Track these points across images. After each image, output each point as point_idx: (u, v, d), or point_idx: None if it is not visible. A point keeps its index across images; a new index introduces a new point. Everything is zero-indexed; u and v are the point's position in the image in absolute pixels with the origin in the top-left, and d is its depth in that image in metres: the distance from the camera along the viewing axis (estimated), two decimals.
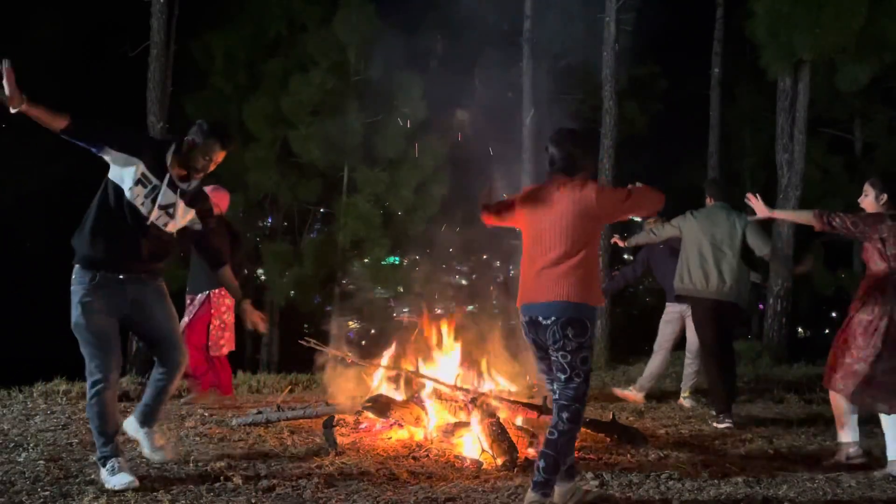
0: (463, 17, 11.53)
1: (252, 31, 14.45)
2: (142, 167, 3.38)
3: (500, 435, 4.02)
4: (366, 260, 14.95)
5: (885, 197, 4.17)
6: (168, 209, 3.49)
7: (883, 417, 4.02)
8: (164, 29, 12.18)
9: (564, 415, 3.10)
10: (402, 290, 14.70)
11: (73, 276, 3.47)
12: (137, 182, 3.38)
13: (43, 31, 17.14)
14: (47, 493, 3.26)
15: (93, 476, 3.54)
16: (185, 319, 5.70)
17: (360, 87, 14.30)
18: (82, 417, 5.15)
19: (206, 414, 5.46)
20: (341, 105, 13.98)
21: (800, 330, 25.37)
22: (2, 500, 3.16)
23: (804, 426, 5.33)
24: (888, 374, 3.96)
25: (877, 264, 4.13)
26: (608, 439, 4.55)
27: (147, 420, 3.76)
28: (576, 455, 4.18)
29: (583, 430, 4.65)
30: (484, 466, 3.89)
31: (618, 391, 6.76)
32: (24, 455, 3.96)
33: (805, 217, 4.39)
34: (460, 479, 3.67)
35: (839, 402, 4.18)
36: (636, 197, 3.23)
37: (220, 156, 3.57)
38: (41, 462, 3.78)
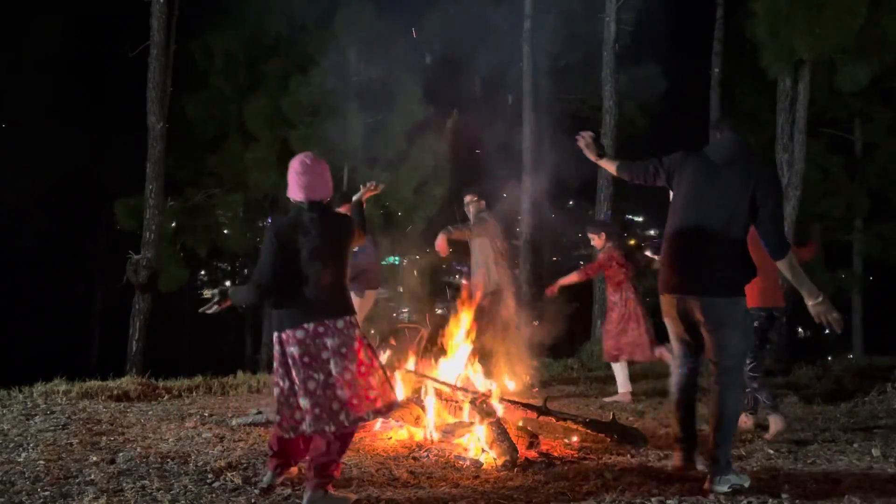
0: (463, 17, 11.53)
1: (252, 31, 14.44)
2: None
3: (500, 435, 4.02)
4: None
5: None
6: None
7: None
8: (164, 29, 12.16)
9: None
10: (401, 289, 14.70)
11: None
12: None
13: (43, 31, 17.14)
14: (47, 493, 3.26)
15: (92, 476, 3.54)
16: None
17: (360, 87, 14.30)
18: (82, 417, 5.15)
19: (206, 414, 5.47)
20: (341, 105, 13.97)
21: (800, 330, 25.35)
22: (2, 500, 3.16)
23: (805, 426, 5.32)
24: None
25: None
26: (608, 439, 4.55)
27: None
28: (575, 455, 4.19)
29: (583, 430, 4.66)
30: (484, 466, 3.89)
31: None
32: (24, 455, 3.96)
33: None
34: (460, 479, 3.67)
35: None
36: None
37: None
38: (41, 462, 3.78)
